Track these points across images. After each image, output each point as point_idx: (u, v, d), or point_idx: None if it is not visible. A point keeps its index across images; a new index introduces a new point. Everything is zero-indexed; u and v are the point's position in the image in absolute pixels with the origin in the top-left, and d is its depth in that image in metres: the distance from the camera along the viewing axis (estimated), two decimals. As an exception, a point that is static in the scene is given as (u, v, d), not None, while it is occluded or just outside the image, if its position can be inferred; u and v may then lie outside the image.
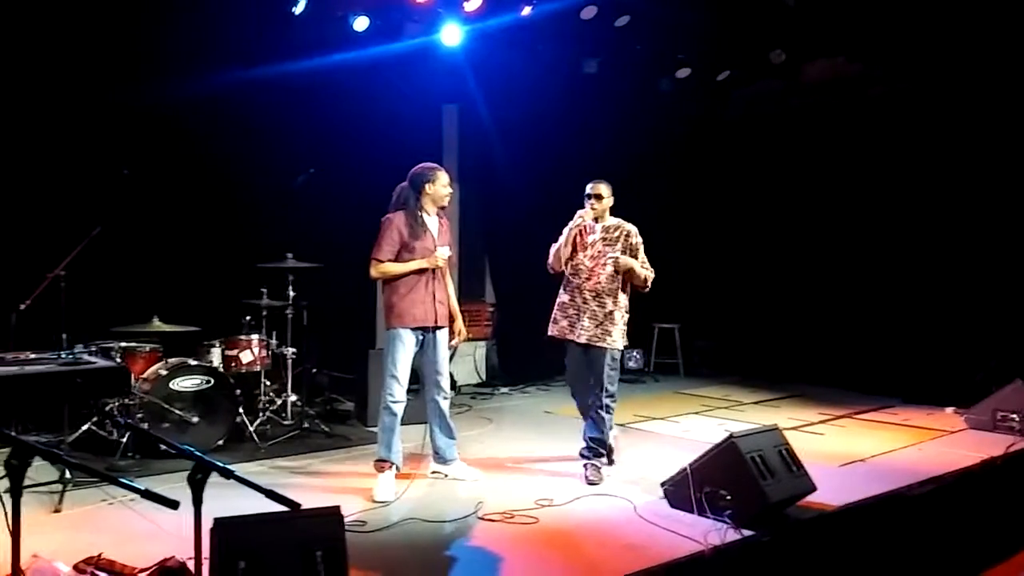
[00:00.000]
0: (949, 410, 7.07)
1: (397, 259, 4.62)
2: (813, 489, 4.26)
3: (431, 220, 4.78)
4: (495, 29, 6.92)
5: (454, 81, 7.66)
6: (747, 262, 9.50)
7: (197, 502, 1.86)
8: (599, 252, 4.97)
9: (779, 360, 8.98)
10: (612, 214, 5.15)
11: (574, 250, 5.02)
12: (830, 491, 4.44)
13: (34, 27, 5.69)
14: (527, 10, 6.70)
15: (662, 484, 4.37)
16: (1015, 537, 4.48)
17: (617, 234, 5.02)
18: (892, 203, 8.26)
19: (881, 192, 8.34)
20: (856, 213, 8.54)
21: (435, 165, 4.84)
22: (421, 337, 4.70)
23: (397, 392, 4.62)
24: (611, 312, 4.93)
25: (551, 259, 5.08)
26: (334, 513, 2.72)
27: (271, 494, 1.79)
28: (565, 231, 5.01)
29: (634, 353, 9.20)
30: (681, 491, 4.22)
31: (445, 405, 4.83)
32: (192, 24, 6.03)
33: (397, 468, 4.65)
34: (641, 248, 5.06)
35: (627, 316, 5.06)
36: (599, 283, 4.94)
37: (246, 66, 6.18)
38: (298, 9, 6.08)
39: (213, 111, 6.41)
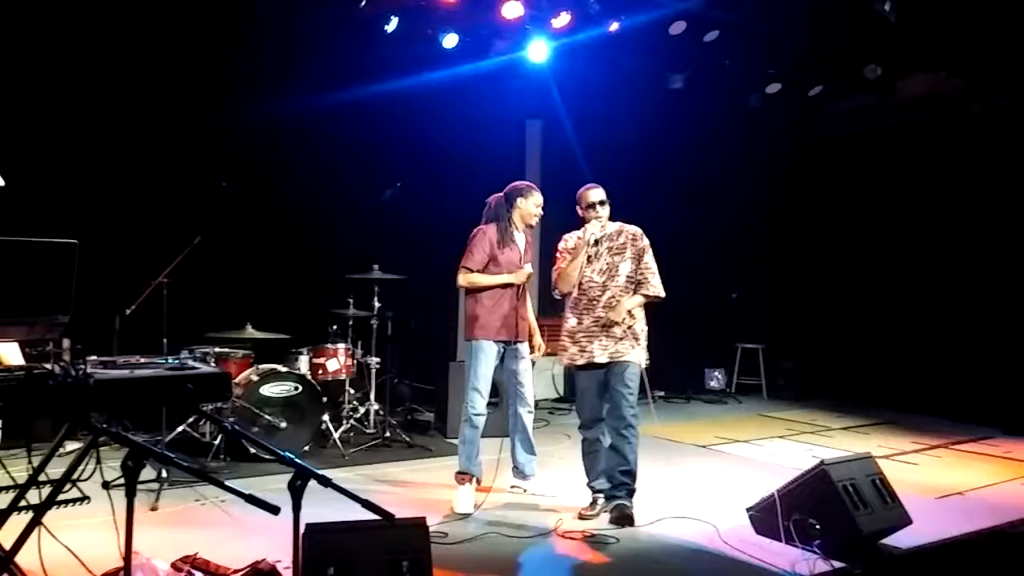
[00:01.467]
0: (1055, 443, 6.67)
1: (484, 270, 4.69)
2: (909, 522, 4.07)
3: (519, 236, 4.85)
4: (582, 44, 6.94)
5: (539, 96, 7.73)
6: (836, 282, 9.21)
7: (296, 508, 1.91)
8: (608, 264, 4.42)
9: (868, 384, 8.65)
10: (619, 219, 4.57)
11: None
12: (926, 525, 4.24)
13: (145, 47, 6.01)
14: (615, 26, 6.70)
15: (747, 509, 4.25)
16: None
17: (623, 240, 4.46)
18: (990, 225, 7.88)
19: (978, 214, 7.97)
20: (952, 235, 8.18)
21: (532, 184, 4.95)
22: (503, 350, 4.74)
23: (479, 404, 4.66)
24: (631, 327, 4.38)
25: (558, 282, 4.49)
26: (420, 524, 2.75)
27: (367, 504, 1.83)
28: (571, 246, 4.51)
29: (716, 373, 9.03)
30: (768, 517, 4.10)
31: (528, 419, 4.85)
32: (288, 43, 6.29)
33: (478, 481, 4.68)
34: (649, 251, 4.46)
35: (646, 330, 4.48)
36: (614, 298, 4.37)
37: (338, 83, 6.40)
38: (390, 27, 6.25)
39: (307, 128, 6.63)
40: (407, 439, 5.97)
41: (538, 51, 6.92)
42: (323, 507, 3.15)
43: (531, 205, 4.79)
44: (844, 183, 9.16)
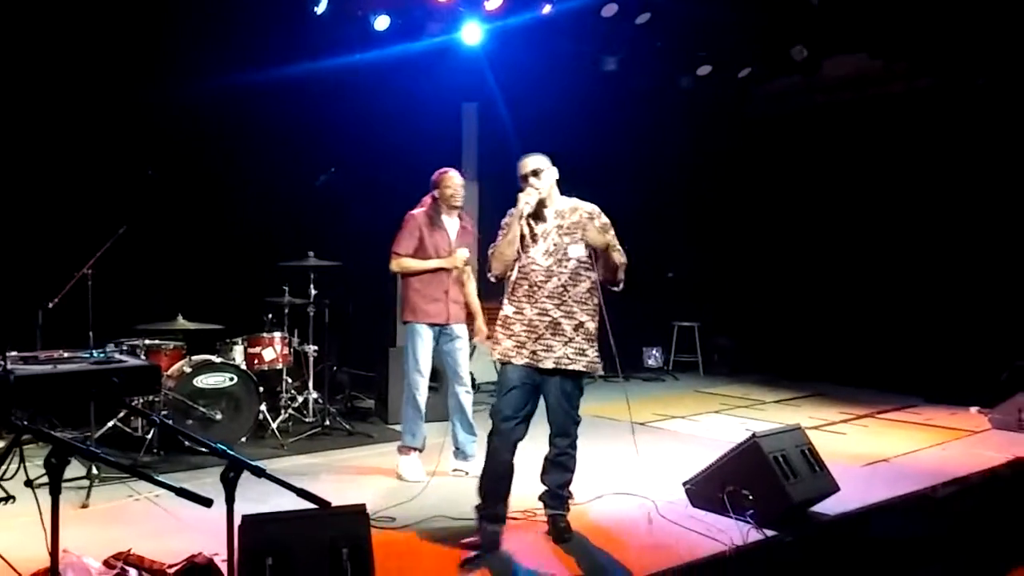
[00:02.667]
0: (973, 410, 7.00)
1: (415, 255, 4.78)
2: (836, 489, 4.24)
3: (450, 221, 4.93)
4: (515, 27, 6.91)
5: (474, 79, 7.68)
6: (768, 260, 9.46)
7: (230, 500, 1.88)
8: (556, 246, 3.72)
9: (799, 358, 8.93)
10: (581, 197, 3.94)
11: (521, 247, 3.76)
12: (853, 491, 4.41)
13: (59, 28, 5.77)
14: (547, 8, 6.70)
15: (684, 483, 4.36)
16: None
17: (576, 218, 3.77)
18: (914, 200, 8.19)
19: (903, 189, 8.27)
20: (878, 210, 8.48)
21: (446, 168, 5.00)
22: (437, 333, 4.85)
23: (420, 385, 4.81)
24: (582, 324, 3.71)
25: (493, 264, 3.78)
26: (360, 511, 2.74)
27: (302, 493, 1.81)
28: (505, 223, 3.81)
29: (653, 351, 9.18)
30: (703, 490, 4.22)
31: (467, 400, 4.93)
32: (214, 24, 6.10)
33: (420, 452, 4.86)
34: (612, 231, 3.82)
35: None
36: (562, 286, 3.70)
37: (268, 66, 6.24)
38: (320, 9, 6.12)
39: (236, 111, 6.47)
40: (347, 427, 5.93)
41: (472, 33, 6.87)
42: (260, 500, 3.12)
43: (445, 188, 4.87)
44: (774, 162, 9.39)
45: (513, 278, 3.79)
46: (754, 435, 4.07)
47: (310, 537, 2.62)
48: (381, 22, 6.47)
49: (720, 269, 9.69)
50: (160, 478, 4.34)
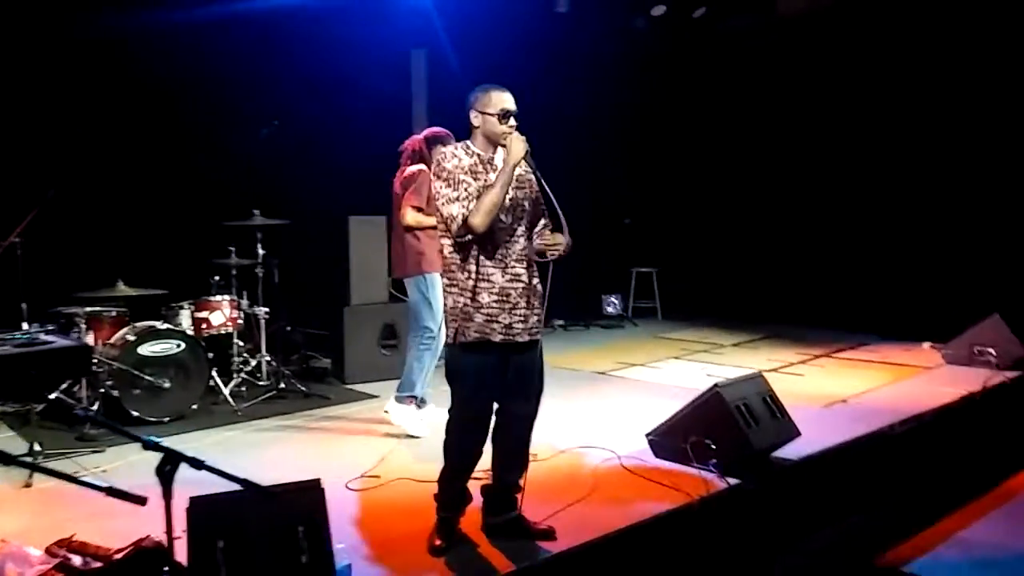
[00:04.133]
0: (926, 345, 7.12)
1: (424, 210, 4.75)
2: (797, 434, 4.26)
3: None
4: (462, -32, 6.64)
5: (422, 25, 7.40)
6: (723, 203, 9.43)
7: (167, 495, 1.75)
8: (512, 201, 3.23)
9: (756, 300, 8.99)
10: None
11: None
12: (814, 434, 4.44)
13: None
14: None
15: (647, 435, 4.33)
16: (996, 470, 4.52)
17: (527, 169, 3.29)
18: (864, 139, 8.19)
19: (856, 128, 8.25)
20: (829, 150, 8.47)
21: (448, 132, 4.84)
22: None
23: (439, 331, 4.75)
24: (538, 285, 3.32)
25: (475, 216, 3.06)
26: (314, 487, 2.63)
27: (245, 483, 1.69)
28: (465, 164, 3.18)
29: (612, 299, 9.15)
30: (666, 441, 4.20)
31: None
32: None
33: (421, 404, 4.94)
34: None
35: None
36: (524, 250, 3.26)
37: (202, 8, 5.87)
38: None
39: (171, 62, 6.13)
40: (303, 388, 5.79)
41: (416, -25, 6.58)
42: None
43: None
44: (729, 105, 9.28)
45: (468, 239, 3.15)
46: (716, 385, 4.05)
47: (264, 517, 2.51)
48: (319, -35, 6.13)
49: (677, 214, 9.64)
50: (109, 451, 4.17)
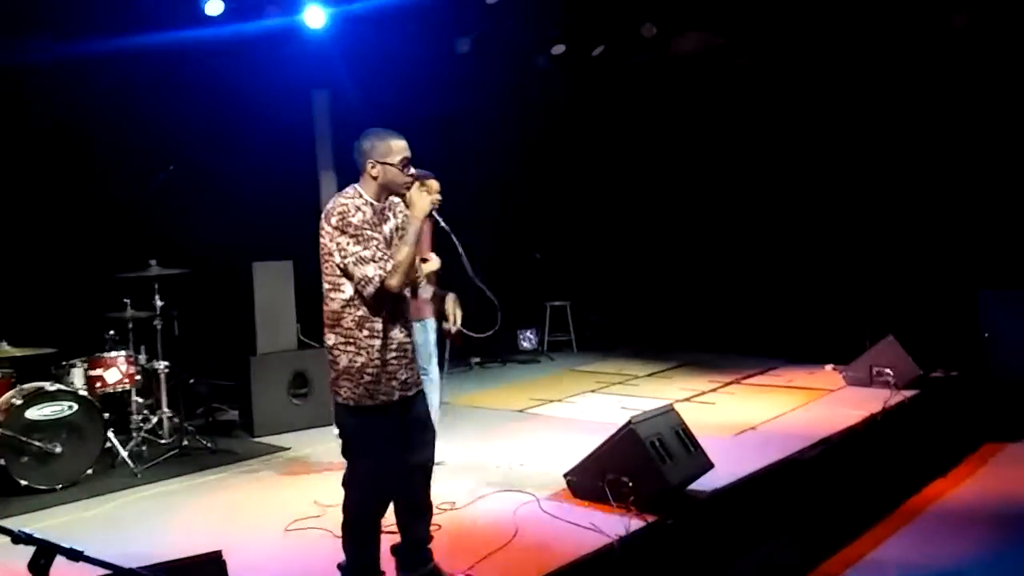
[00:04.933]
0: (828, 367, 7.38)
1: None
2: (710, 466, 4.31)
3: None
4: (362, 10, 6.61)
5: (322, 65, 7.30)
6: (631, 236, 9.63)
7: (42, 591, 1.59)
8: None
9: (668, 329, 9.18)
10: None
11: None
12: (726, 464, 4.50)
13: None
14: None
15: (564, 475, 4.30)
16: (901, 488, 4.68)
17: (402, 220, 3.21)
18: (766, 172, 8.52)
19: (754, 161, 8.59)
20: (733, 183, 8.77)
21: (426, 172, 4.62)
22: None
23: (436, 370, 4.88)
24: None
25: (396, 278, 2.96)
26: (215, 559, 2.47)
27: (130, 574, 1.55)
28: (368, 217, 3.03)
29: (528, 333, 9.17)
30: (584, 481, 4.18)
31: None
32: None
33: None
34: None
35: None
36: (413, 300, 3.37)
37: (88, 44, 5.61)
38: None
39: (57, 102, 5.84)
40: (208, 445, 5.52)
41: (314, 17, 6.51)
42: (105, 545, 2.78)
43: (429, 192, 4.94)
44: (631, 139, 9.53)
45: (360, 302, 3.01)
46: (630, 421, 4.06)
47: (159, 597, 2.34)
48: (213, 6, 6.00)
49: (587, 247, 9.78)
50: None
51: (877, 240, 7.78)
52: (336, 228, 2.97)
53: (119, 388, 5.38)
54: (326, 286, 3.06)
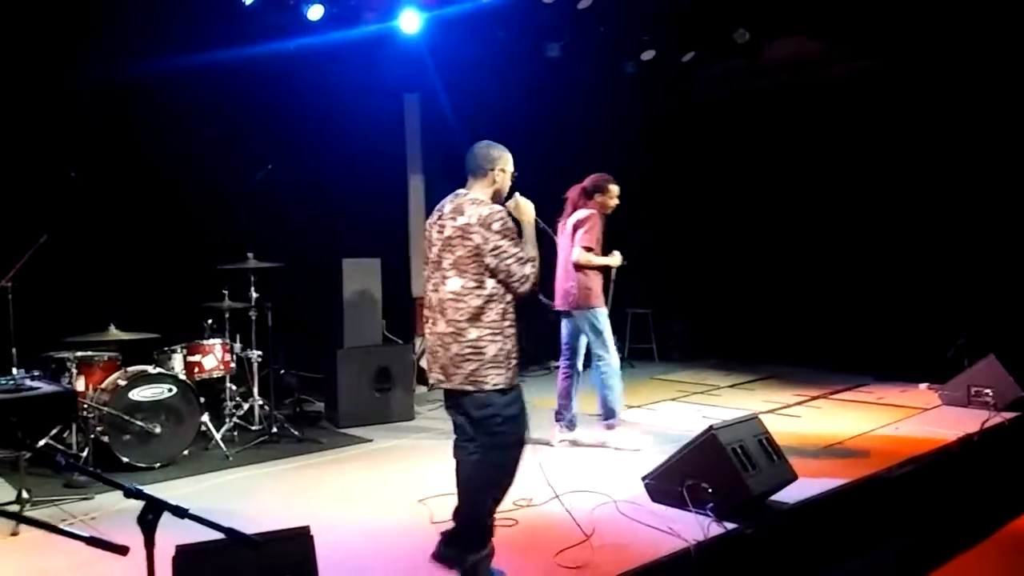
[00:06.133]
0: (923, 386, 7.09)
1: (593, 251, 5.34)
2: (794, 477, 4.20)
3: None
4: (455, 15, 6.75)
5: (415, 70, 7.49)
6: (718, 244, 9.46)
7: (149, 544, 1.71)
8: None
9: (752, 341, 8.97)
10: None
11: None
12: (811, 477, 4.39)
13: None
14: (487, -6, 6.55)
15: (643, 478, 4.28)
16: (995, 513, 4.48)
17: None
18: (860, 181, 8.25)
19: (849, 171, 8.32)
20: (825, 192, 8.52)
21: (609, 176, 5.56)
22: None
23: (616, 357, 5.42)
24: None
25: (533, 278, 3.36)
26: (303, 534, 2.58)
27: (230, 532, 1.65)
28: (510, 229, 3.37)
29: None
30: (662, 485, 4.14)
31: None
32: (140, 11, 5.79)
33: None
34: None
35: None
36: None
37: (196, 56, 5.94)
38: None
39: (165, 107, 6.19)
40: (296, 433, 5.73)
41: (410, 22, 6.68)
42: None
43: (611, 199, 5.50)
44: (720, 146, 9.38)
45: (501, 295, 3.34)
46: (711, 427, 4.01)
47: (251, 567, 2.46)
48: (314, 11, 6.24)
49: (671, 255, 9.66)
50: (97, 498, 4.10)
51: (980, 255, 7.41)
52: (498, 233, 3.27)
53: (215, 374, 5.64)
54: (469, 283, 3.29)
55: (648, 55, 8.02)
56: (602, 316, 5.41)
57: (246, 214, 6.52)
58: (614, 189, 5.51)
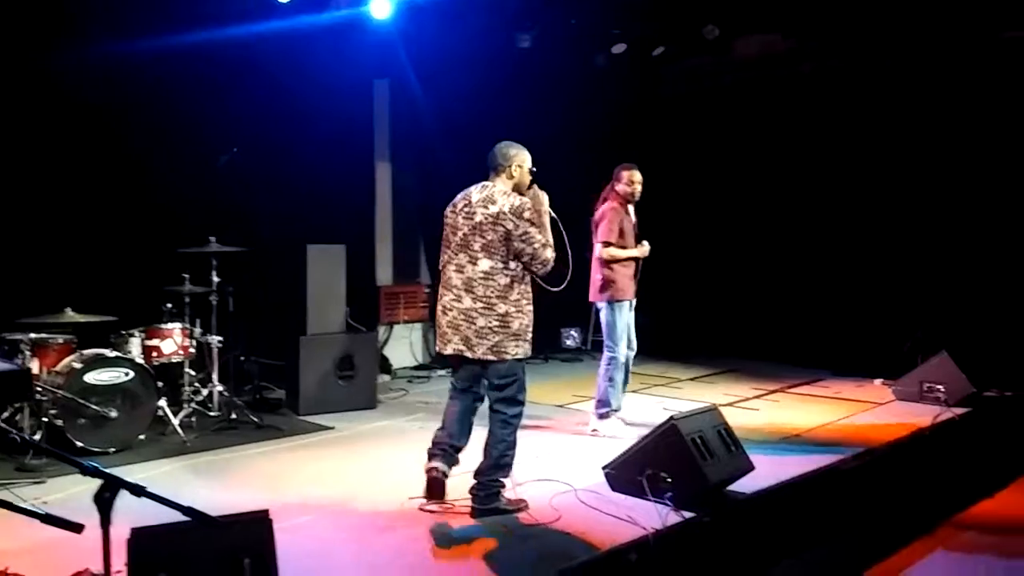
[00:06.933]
0: (877, 382, 7.24)
1: (616, 244, 5.50)
2: (751, 468, 4.28)
3: (632, 212, 5.69)
4: (426, 2, 6.70)
5: (385, 55, 7.42)
6: (681, 241, 9.53)
7: (105, 523, 1.69)
8: None
9: (714, 336, 9.08)
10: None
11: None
12: (768, 468, 4.47)
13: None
14: (458, -19, 6.51)
15: (603, 467, 4.32)
16: (945, 504, 4.59)
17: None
18: (821, 179, 8.37)
19: (810, 168, 8.45)
20: (786, 189, 8.64)
21: (631, 164, 5.73)
22: (630, 306, 5.64)
23: (628, 354, 5.60)
24: None
25: (551, 261, 3.96)
26: (262, 518, 2.56)
27: (188, 511, 1.63)
28: (534, 215, 3.94)
29: (572, 332, 9.18)
30: (623, 474, 4.19)
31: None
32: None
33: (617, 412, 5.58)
34: None
35: None
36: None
37: (162, 37, 5.82)
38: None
39: (128, 85, 6.05)
40: (256, 420, 5.67)
41: (380, 7, 6.61)
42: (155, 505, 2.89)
43: (636, 186, 5.64)
44: (686, 141, 9.45)
45: (522, 275, 3.91)
46: (672, 418, 4.06)
47: (209, 549, 2.44)
48: (283, -6, 6.14)
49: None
50: (50, 482, 4.03)
51: (935, 253, 7.58)
52: (528, 220, 3.83)
53: (173, 359, 5.55)
54: (498, 264, 3.82)
55: (619, 48, 8.06)
56: (618, 309, 5.52)
57: (209, 197, 6.41)
58: (626, 175, 5.65)
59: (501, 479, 3.96)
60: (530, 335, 3.90)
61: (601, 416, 5.53)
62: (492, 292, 3.79)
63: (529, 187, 4.02)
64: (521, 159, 4.00)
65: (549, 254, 3.85)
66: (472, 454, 4.07)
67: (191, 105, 6.39)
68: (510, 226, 3.77)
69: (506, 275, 3.80)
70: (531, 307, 3.91)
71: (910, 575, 3.73)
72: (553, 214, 4.07)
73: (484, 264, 3.80)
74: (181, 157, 6.39)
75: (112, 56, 5.64)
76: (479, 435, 4.10)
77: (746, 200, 8.97)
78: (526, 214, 3.81)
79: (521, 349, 3.87)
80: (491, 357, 3.81)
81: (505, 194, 3.86)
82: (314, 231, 6.62)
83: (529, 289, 3.92)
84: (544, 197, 4.01)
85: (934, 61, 7.42)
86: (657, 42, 8.12)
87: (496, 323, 3.79)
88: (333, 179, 7.36)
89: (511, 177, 3.96)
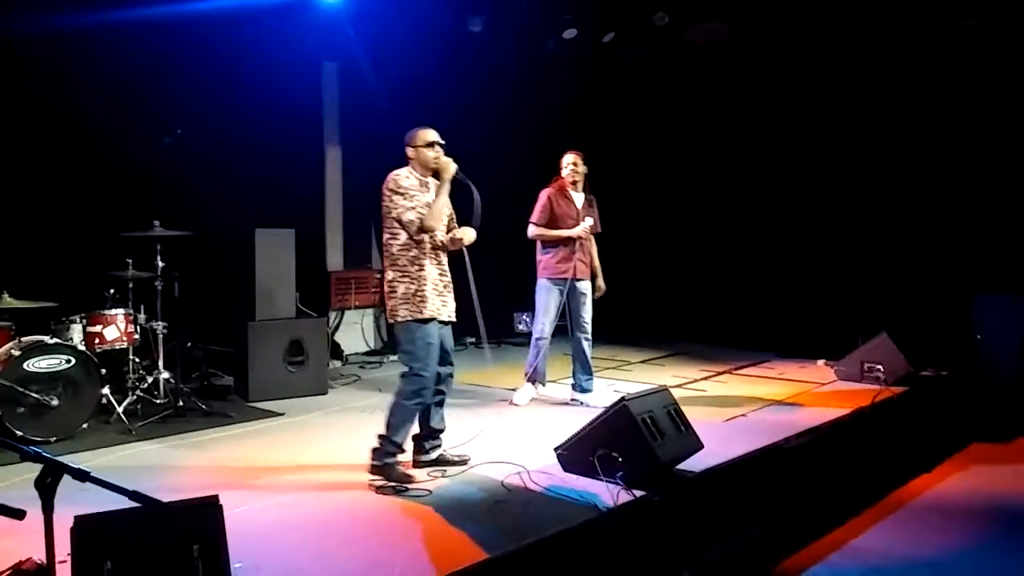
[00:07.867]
0: (820, 362, 7.44)
1: (547, 225, 5.91)
2: (700, 447, 4.36)
3: (577, 195, 6.06)
4: (376, -17, 6.62)
5: (335, 38, 7.32)
6: (628, 225, 9.63)
7: (48, 509, 1.64)
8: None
9: (662, 319, 9.21)
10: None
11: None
12: (716, 447, 4.57)
13: None
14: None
15: (555, 449, 4.36)
16: (885, 480, 4.74)
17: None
18: (765, 165, 8.54)
19: (754, 154, 8.61)
20: (731, 175, 8.80)
21: (570, 150, 6.14)
22: (566, 286, 5.95)
23: (546, 329, 6.05)
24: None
25: (429, 219, 4.21)
26: (211, 503, 2.52)
27: (133, 495, 1.60)
28: (409, 184, 4.23)
29: (524, 316, 9.20)
30: (574, 455, 4.23)
31: (586, 345, 6.05)
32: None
33: (542, 385, 6.14)
34: None
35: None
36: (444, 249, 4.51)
37: (105, 12, 5.65)
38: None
39: (67, 64, 5.85)
40: (204, 407, 5.58)
41: (330, -12, 6.52)
42: (99, 492, 2.83)
43: (562, 169, 6.05)
44: (635, 126, 9.54)
45: (425, 240, 4.21)
46: (623, 398, 4.11)
47: (156, 535, 2.39)
48: (228, -28, 6.00)
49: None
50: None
51: (875, 239, 7.80)
52: (391, 191, 4.20)
53: (117, 346, 5.42)
54: (386, 236, 4.23)
55: (570, 34, 8.07)
56: (541, 288, 6.01)
57: (153, 180, 6.25)
58: (563, 159, 6.06)
59: (393, 440, 4.17)
60: (420, 300, 4.14)
61: (527, 376, 6.02)
62: (387, 261, 4.25)
63: (436, 158, 4.26)
64: (413, 140, 4.29)
65: (410, 217, 4.13)
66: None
67: (134, 84, 6.23)
68: (384, 200, 4.20)
69: (393, 244, 4.20)
70: (421, 275, 4.16)
71: (855, 546, 3.84)
72: (465, 179, 4.28)
73: (384, 236, 4.26)
74: (123, 138, 6.22)
75: (50, 32, 5.46)
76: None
77: (692, 186, 9.11)
78: (389, 185, 4.19)
79: (408, 313, 4.14)
80: (391, 320, 4.25)
81: (392, 174, 4.23)
82: (262, 215, 6.51)
83: (421, 260, 4.18)
84: (450, 164, 4.24)
85: (878, 48, 7.59)
86: (608, 28, 8.15)
87: (387, 289, 4.22)
88: (281, 162, 7.25)
89: (413, 158, 4.30)
